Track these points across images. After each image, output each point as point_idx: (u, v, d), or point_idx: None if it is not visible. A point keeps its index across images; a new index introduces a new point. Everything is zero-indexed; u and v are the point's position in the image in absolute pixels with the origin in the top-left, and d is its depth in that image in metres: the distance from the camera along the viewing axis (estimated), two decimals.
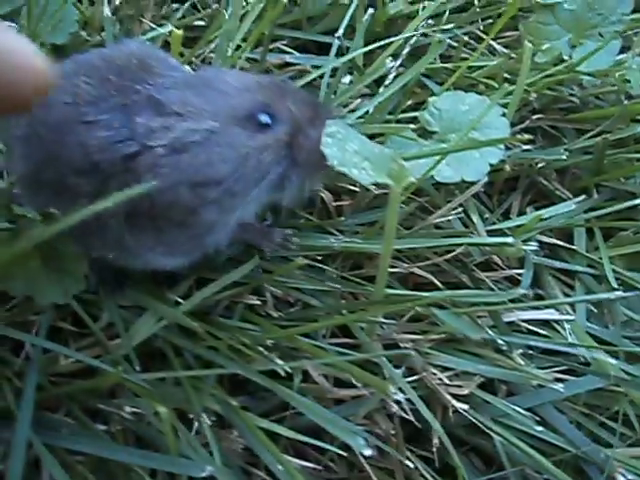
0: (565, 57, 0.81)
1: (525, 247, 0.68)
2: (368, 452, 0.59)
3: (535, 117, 0.84)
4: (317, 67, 0.82)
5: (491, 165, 0.69)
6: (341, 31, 0.82)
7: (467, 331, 0.65)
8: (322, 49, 0.87)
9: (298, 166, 0.61)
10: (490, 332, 0.70)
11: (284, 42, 0.87)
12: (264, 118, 0.60)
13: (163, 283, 0.73)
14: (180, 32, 0.68)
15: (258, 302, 0.71)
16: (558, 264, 0.77)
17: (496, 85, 0.80)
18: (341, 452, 0.64)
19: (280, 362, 0.63)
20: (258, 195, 0.61)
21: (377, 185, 0.54)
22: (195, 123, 0.57)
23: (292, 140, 0.61)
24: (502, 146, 0.69)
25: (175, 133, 0.57)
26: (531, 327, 0.73)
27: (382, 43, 0.79)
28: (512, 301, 0.73)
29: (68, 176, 0.59)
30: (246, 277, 0.70)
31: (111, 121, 0.57)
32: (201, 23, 0.89)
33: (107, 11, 0.78)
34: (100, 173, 0.58)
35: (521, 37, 0.86)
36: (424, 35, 0.86)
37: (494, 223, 0.78)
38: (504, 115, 0.72)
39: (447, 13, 0.88)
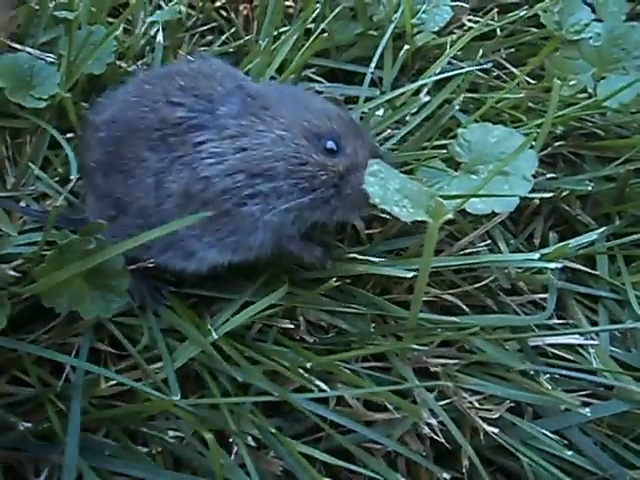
0: (590, 90, 0.83)
1: (550, 266, 0.70)
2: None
3: (557, 144, 0.86)
4: (346, 95, 0.85)
5: (520, 198, 0.71)
6: (373, 64, 0.84)
7: (505, 360, 0.68)
8: (350, 78, 0.90)
9: (342, 198, 0.67)
10: (518, 358, 0.72)
11: (312, 70, 0.89)
12: (331, 144, 0.67)
13: (199, 307, 0.76)
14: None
15: (291, 326, 0.73)
16: (582, 289, 0.80)
17: (521, 116, 0.82)
18: (374, 475, 0.66)
19: (321, 385, 0.65)
20: (300, 207, 0.66)
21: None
22: (268, 128, 0.65)
23: (346, 174, 0.66)
24: (531, 178, 0.72)
25: (248, 133, 0.65)
26: (556, 351, 0.75)
27: (416, 84, 0.81)
28: (537, 326, 0.75)
29: (142, 151, 0.66)
30: (279, 301, 0.72)
31: (194, 105, 0.65)
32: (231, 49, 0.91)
33: (160, 38, 0.81)
34: (171, 152, 0.65)
35: (545, 68, 0.88)
36: (450, 64, 0.88)
37: (518, 249, 0.80)
38: (532, 147, 0.74)
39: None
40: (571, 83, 0.81)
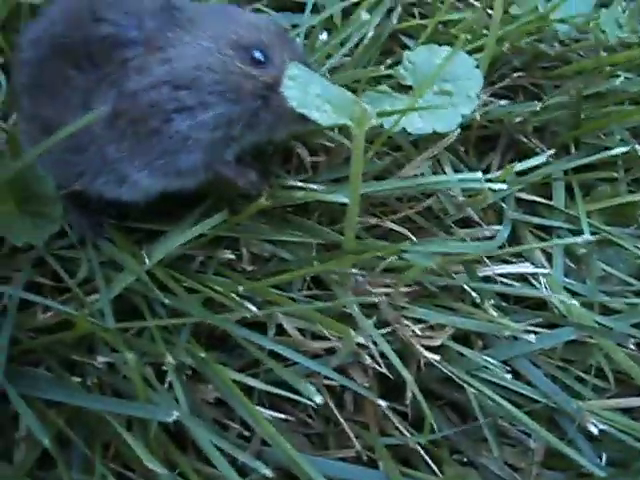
0: (540, 9, 0.80)
1: (494, 187, 0.68)
2: (319, 399, 0.60)
3: (516, 75, 0.83)
4: (295, 25, 0.83)
5: (463, 116, 0.68)
6: None
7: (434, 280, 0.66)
8: (300, 7, 0.87)
9: (271, 111, 0.65)
10: (466, 287, 0.70)
11: (264, 2, 0.87)
12: (258, 55, 0.64)
13: (140, 240, 0.74)
14: None
15: (233, 257, 0.71)
16: (536, 220, 0.77)
17: (469, 36, 0.79)
18: (313, 404, 0.64)
19: (254, 309, 0.63)
20: (229, 121, 0.64)
21: (338, 128, 0.54)
22: (194, 40, 0.63)
23: (274, 85, 0.64)
24: (475, 97, 0.69)
25: (174, 45, 0.63)
26: (507, 281, 0.73)
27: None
28: (489, 258, 0.73)
29: (67, 70, 0.64)
30: (216, 229, 0.71)
31: (121, 21, 0.63)
32: None
33: None
34: (98, 70, 0.63)
35: None
36: None
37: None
38: (477, 67, 0.71)
39: None
40: None
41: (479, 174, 0.67)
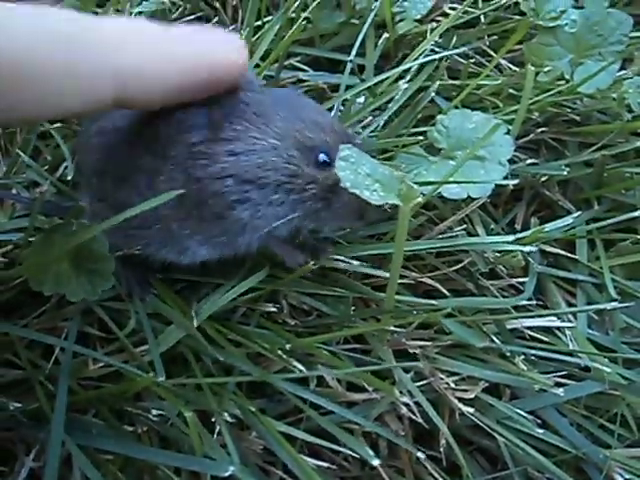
0: (567, 76, 0.84)
1: (524, 249, 0.71)
2: (376, 462, 0.63)
3: (539, 130, 0.87)
4: (329, 84, 0.87)
5: (496, 183, 0.72)
6: (354, 52, 0.86)
7: (472, 339, 0.69)
8: (334, 65, 0.91)
9: (332, 211, 0.68)
10: (495, 339, 0.73)
11: (297, 59, 0.90)
12: (323, 157, 0.66)
13: (185, 293, 0.78)
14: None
15: (274, 309, 0.75)
16: (561, 273, 0.81)
17: (500, 103, 0.83)
18: (354, 454, 0.68)
19: (300, 366, 0.67)
20: (289, 216, 0.67)
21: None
22: (261, 136, 0.65)
23: (337, 187, 0.66)
24: (506, 163, 0.73)
25: (241, 138, 0.65)
26: (533, 334, 0.76)
27: (396, 70, 0.83)
28: (516, 309, 0.76)
29: (135, 154, 0.67)
30: (261, 283, 0.74)
31: (189, 107, 0.65)
32: None
33: None
34: (164, 151, 0.66)
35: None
36: (433, 51, 0.89)
37: (498, 234, 0.82)
38: (508, 133, 0.75)
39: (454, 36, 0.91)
40: (546, 69, 0.82)
41: (511, 237, 0.71)
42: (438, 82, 0.79)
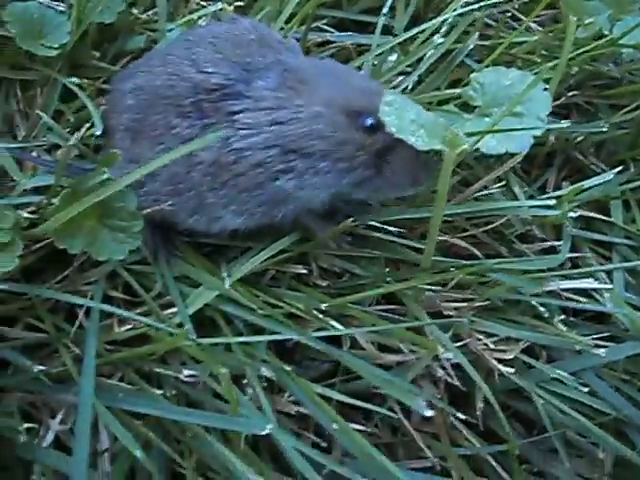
0: (605, 32, 0.83)
1: (567, 211, 0.70)
2: (429, 413, 0.61)
3: (570, 94, 0.86)
4: (357, 45, 0.85)
5: (534, 137, 0.71)
6: (386, 10, 0.84)
7: (528, 286, 0.69)
8: (360, 28, 0.90)
9: (381, 178, 0.66)
10: (532, 301, 0.72)
11: (323, 22, 0.89)
12: (370, 122, 0.63)
13: (211, 256, 0.76)
14: (231, 8, 0.70)
15: (304, 271, 0.73)
16: (596, 236, 0.79)
17: (536, 60, 0.81)
18: (391, 414, 0.66)
19: (339, 326, 0.65)
20: (337, 187, 0.65)
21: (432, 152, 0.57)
22: (306, 103, 0.63)
23: (385, 153, 0.64)
24: (545, 118, 0.71)
25: (285, 106, 0.63)
26: (570, 295, 0.75)
27: (425, 26, 0.81)
28: (551, 270, 0.75)
29: (172, 118, 0.65)
30: (292, 246, 0.73)
31: (230, 72, 0.64)
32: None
33: None
34: (203, 118, 0.64)
35: (560, 14, 0.88)
36: (460, 15, 0.87)
37: (531, 196, 0.80)
38: (546, 89, 0.74)
39: None
40: (587, 22, 0.80)
41: (553, 201, 0.69)
42: (477, 34, 0.77)
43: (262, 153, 0.64)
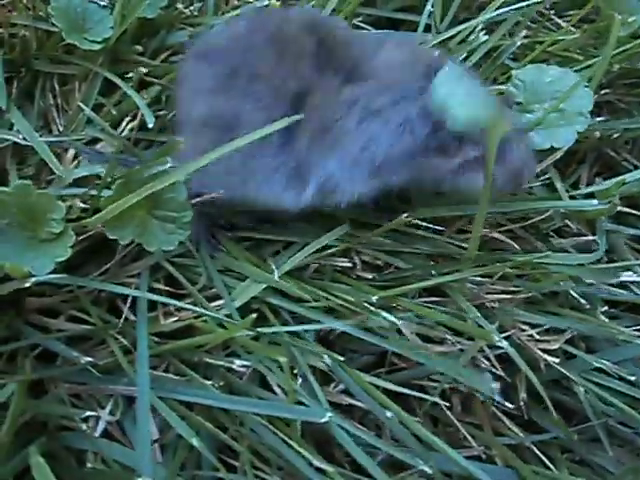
0: None
1: (607, 207, 0.71)
2: (498, 397, 0.62)
3: (603, 92, 0.87)
4: None
5: (578, 133, 0.72)
6: (429, 7, 0.85)
7: (587, 278, 0.71)
8: (394, 26, 0.91)
9: (504, 169, 0.65)
10: (573, 293, 0.73)
11: (359, 19, 0.90)
12: None
13: (253, 250, 0.76)
14: (279, 3, 0.71)
15: (348, 264, 0.74)
16: (631, 231, 0.81)
17: (572, 57, 0.83)
18: (442, 402, 0.67)
19: (392, 319, 0.66)
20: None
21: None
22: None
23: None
24: (588, 115, 0.73)
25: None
26: (609, 288, 0.76)
27: (471, 24, 0.82)
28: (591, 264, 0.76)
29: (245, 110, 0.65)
30: (336, 241, 0.73)
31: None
32: None
33: None
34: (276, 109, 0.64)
35: (591, 13, 0.89)
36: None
37: (567, 191, 0.81)
38: (587, 86, 0.75)
39: None
40: (630, 20, 0.82)
41: (595, 201, 0.71)
42: (524, 32, 0.79)
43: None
